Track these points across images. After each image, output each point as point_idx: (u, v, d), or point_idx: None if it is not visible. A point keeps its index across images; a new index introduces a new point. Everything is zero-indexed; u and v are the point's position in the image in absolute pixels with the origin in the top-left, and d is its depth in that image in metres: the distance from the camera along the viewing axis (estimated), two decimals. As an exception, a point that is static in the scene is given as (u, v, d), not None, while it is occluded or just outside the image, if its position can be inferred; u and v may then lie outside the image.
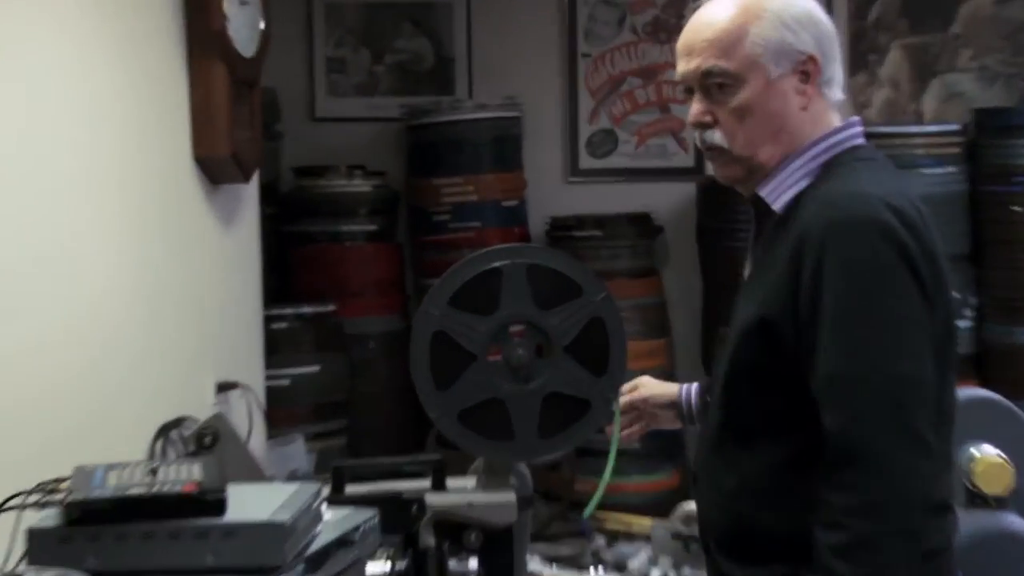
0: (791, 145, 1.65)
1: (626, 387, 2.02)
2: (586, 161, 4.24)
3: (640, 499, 3.67)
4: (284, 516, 1.37)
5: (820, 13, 1.69)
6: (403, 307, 3.97)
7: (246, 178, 2.59)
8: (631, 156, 4.23)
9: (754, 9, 1.65)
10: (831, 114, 1.68)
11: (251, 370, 2.81)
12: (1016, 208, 3.63)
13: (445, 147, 3.93)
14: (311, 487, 1.52)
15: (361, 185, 3.93)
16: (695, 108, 1.68)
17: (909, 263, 1.53)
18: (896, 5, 4.11)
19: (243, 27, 2.44)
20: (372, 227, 3.95)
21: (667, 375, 4.01)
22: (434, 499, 1.91)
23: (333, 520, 1.55)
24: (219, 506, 1.36)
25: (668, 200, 4.14)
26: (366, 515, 1.60)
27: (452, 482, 1.99)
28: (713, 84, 1.65)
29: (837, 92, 1.68)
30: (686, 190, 4.06)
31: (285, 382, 3.56)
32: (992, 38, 4.04)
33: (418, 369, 1.88)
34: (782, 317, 1.57)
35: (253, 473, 1.83)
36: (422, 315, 1.89)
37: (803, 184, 1.64)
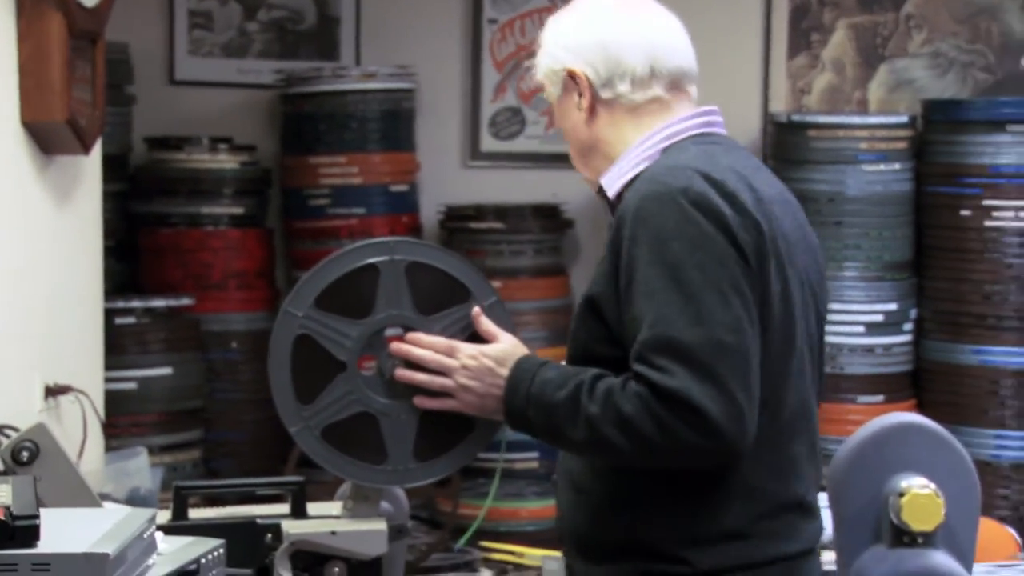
0: (606, 156, 1.91)
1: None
2: (488, 143, 4.25)
3: (536, 527, 3.71)
4: (108, 547, 1.36)
5: (603, 20, 1.92)
6: (272, 303, 3.94)
7: (86, 149, 2.55)
8: (540, 139, 4.25)
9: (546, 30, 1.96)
10: (649, 116, 1.90)
11: (88, 372, 2.77)
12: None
13: (326, 121, 3.92)
14: (144, 513, 1.50)
15: (226, 161, 3.90)
16: None
17: (725, 231, 1.74)
18: (843, -21, 4.20)
19: (86, -29, 2.41)
20: (238, 210, 3.92)
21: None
22: (292, 527, 1.91)
23: (170, 551, 1.54)
24: (31, 534, 1.34)
25: (580, 191, 4.14)
26: (209, 545, 1.59)
27: (315, 507, 1.99)
28: None
29: (656, 90, 1.89)
30: (601, 179, 4.10)
31: (131, 386, 3.53)
32: (947, 21, 4.15)
33: (276, 377, 1.87)
34: (606, 295, 1.79)
35: (80, 494, 1.80)
36: (283, 316, 1.89)
37: (639, 169, 1.87)
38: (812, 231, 1.96)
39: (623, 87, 1.89)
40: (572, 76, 1.91)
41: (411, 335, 1.89)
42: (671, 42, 1.94)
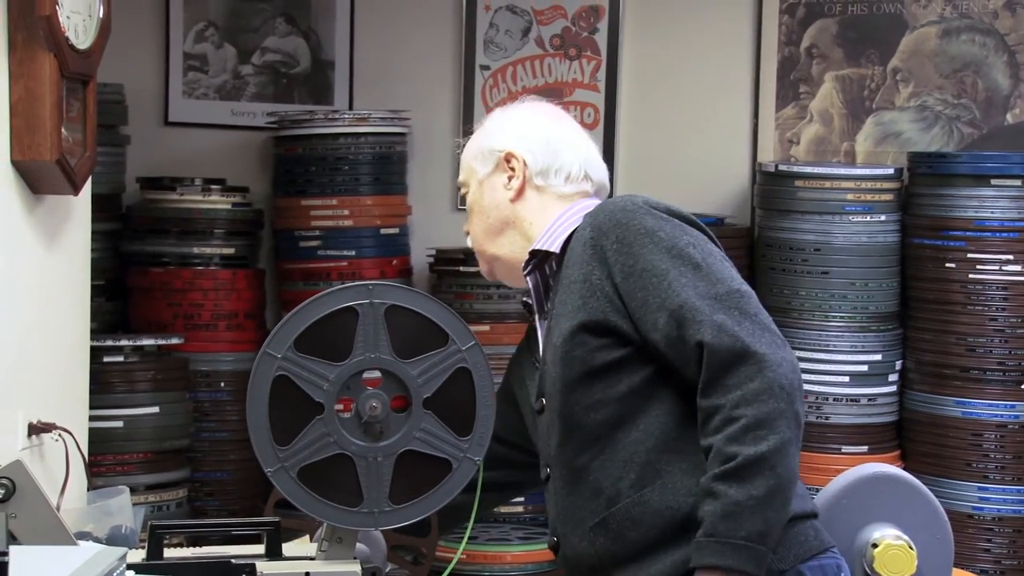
0: (523, 233, 2.12)
1: None
2: (479, 187, 4.27)
3: (520, 572, 3.70)
4: (76, 585, 1.36)
5: (550, 122, 2.17)
6: (261, 343, 3.92)
7: (75, 189, 2.56)
8: (531, 184, 4.27)
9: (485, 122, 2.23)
10: (576, 199, 2.12)
11: (73, 410, 2.77)
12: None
13: (318, 163, 3.93)
14: (114, 552, 1.51)
15: (218, 202, 3.91)
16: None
17: (694, 224, 1.99)
18: (831, 32, 4.23)
19: (77, 13, 2.43)
20: (229, 250, 3.93)
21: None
22: (267, 567, 1.91)
23: (140, 590, 1.54)
24: (-1, 571, 1.35)
25: (570, 236, 4.19)
26: (180, 585, 1.59)
27: (291, 548, 1.99)
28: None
29: (585, 185, 2.13)
30: (590, 226, 4.12)
31: (117, 424, 3.52)
32: (933, 75, 4.18)
33: (254, 417, 1.89)
34: (604, 309, 1.93)
35: (55, 533, 1.81)
36: (262, 357, 1.90)
37: (572, 227, 2.05)
38: None
39: (556, 180, 2.12)
40: (508, 159, 2.13)
41: None
42: (600, 164, 2.17)
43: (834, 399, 3.77)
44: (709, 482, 1.82)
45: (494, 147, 2.14)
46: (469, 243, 2.23)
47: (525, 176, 2.11)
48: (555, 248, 2.05)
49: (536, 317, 2.14)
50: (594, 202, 2.11)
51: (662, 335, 1.89)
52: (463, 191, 2.22)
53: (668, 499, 1.90)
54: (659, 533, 1.90)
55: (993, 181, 3.72)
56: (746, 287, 1.92)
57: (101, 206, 3.47)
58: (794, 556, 1.89)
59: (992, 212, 3.70)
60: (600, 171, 2.16)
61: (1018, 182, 3.72)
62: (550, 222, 2.08)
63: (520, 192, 2.11)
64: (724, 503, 1.79)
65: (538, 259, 2.09)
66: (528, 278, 2.11)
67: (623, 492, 1.92)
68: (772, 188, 3.90)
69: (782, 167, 3.90)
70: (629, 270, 1.92)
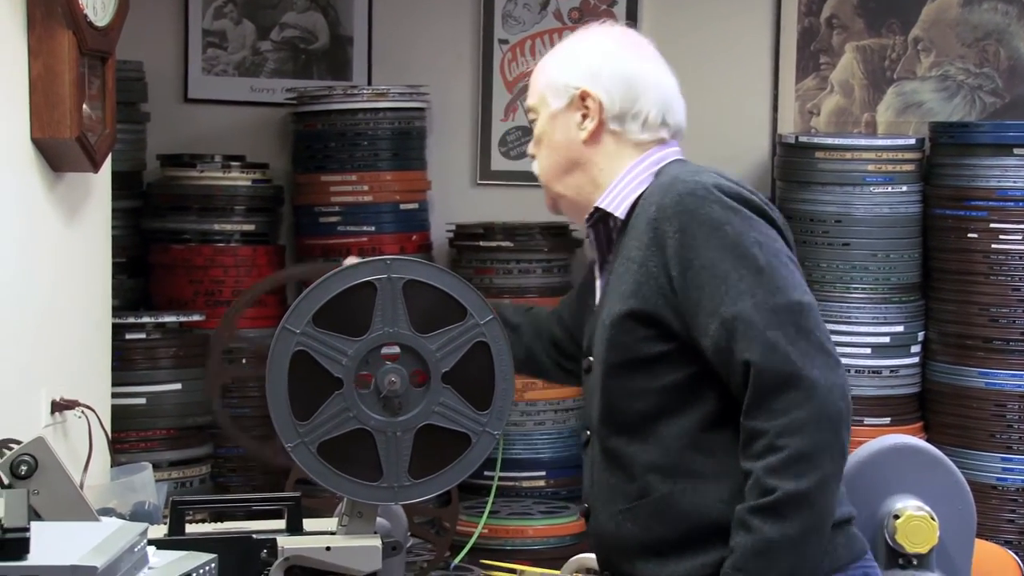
0: (593, 179, 2.00)
1: None
2: (499, 162, 4.26)
3: (543, 545, 3.70)
4: (97, 560, 1.37)
5: (630, 60, 2.02)
6: (282, 319, 3.93)
7: (95, 166, 2.57)
8: (550, 158, 4.25)
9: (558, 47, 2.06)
10: (649, 150, 2.00)
11: (96, 387, 2.78)
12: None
13: (337, 139, 3.93)
14: (135, 527, 1.51)
15: (239, 178, 3.91)
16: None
17: (763, 215, 1.89)
18: (852, 2, 4.20)
19: (95, -8, 2.43)
20: (250, 227, 3.93)
21: (580, 405, 4.05)
22: (287, 542, 1.92)
23: (161, 565, 1.55)
24: (20, 547, 1.35)
25: (590, 210, 4.18)
26: (201, 560, 1.60)
27: (312, 523, 1.99)
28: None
29: (662, 133, 2.00)
30: (610, 199, 4.10)
31: (140, 401, 3.53)
32: (955, 45, 4.15)
33: (274, 393, 1.89)
34: (656, 301, 1.86)
35: (78, 509, 1.81)
36: (281, 332, 1.90)
37: (640, 190, 1.97)
38: None
39: (632, 126, 2.00)
40: (584, 97, 2.00)
41: None
42: (679, 103, 2.05)
43: (856, 371, 3.76)
44: (744, 513, 1.77)
45: (569, 82, 2.00)
46: (535, 169, 2.08)
47: (601, 119, 1.99)
48: (619, 213, 1.97)
49: (596, 265, 2.07)
50: (668, 153, 2.01)
51: (711, 342, 1.82)
52: (531, 116, 2.08)
53: (698, 502, 1.86)
54: (684, 533, 1.87)
55: (1015, 150, 3.69)
56: (808, 298, 1.84)
57: (121, 183, 3.47)
58: (823, 570, 1.83)
59: (1015, 182, 3.67)
60: (678, 114, 2.03)
61: (1041, 151, 3.69)
62: (620, 173, 1.98)
63: (594, 135, 1.99)
64: (757, 539, 1.75)
65: (601, 213, 2.00)
66: (590, 229, 2.04)
67: (653, 486, 1.89)
68: (792, 160, 3.87)
69: (802, 138, 3.88)
70: (687, 264, 1.84)
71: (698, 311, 1.83)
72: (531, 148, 2.09)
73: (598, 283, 2.06)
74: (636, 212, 1.95)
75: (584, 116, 2.00)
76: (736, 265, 1.82)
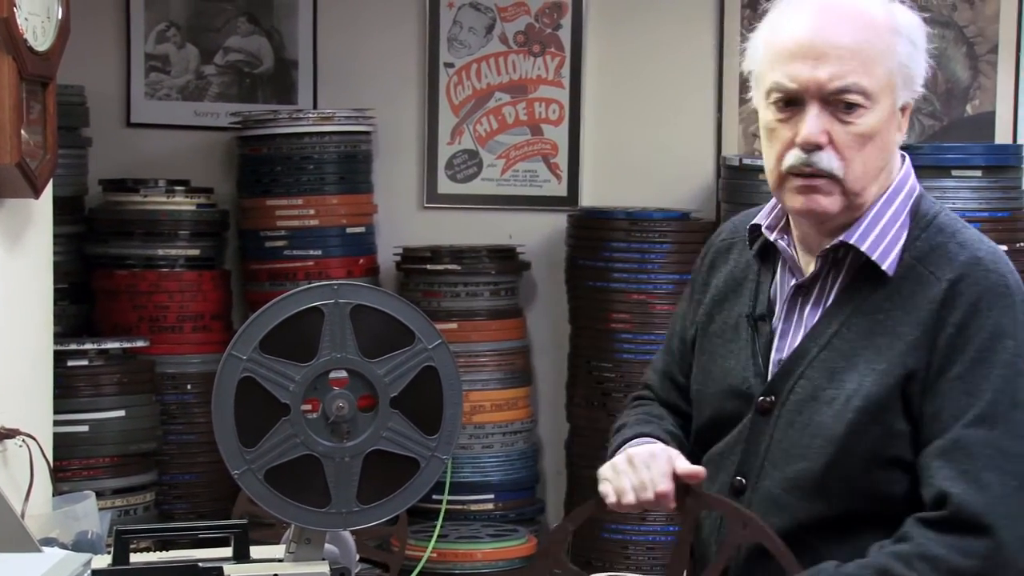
0: (884, 185, 1.72)
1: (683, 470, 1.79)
2: (445, 185, 4.26)
3: (491, 569, 3.69)
4: (39, 593, 1.34)
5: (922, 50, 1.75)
6: (228, 344, 3.90)
7: (36, 192, 2.53)
8: (497, 182, 4.26)
9: (900, 19, 1.69)
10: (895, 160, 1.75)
11: (38, 415, 2.74)
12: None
13: (283, 163, 3.91)
14: (78, 558, 1.49)
15: (183, 203, 3.89)
16: (813, 125, 1.66)
17: None
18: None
19: (35, 15, 2.40)
20: (194, 252, 3.90)
21: (529, 427, 4.05)
22: (234, 570, 1.89)
23: (105, 597, 1.52)
24: (-40, 580, 1.32)
25: (537, 233, 4.18)
26: (146, 591, 1.57)
27: (259, 551, 1.97)
28: (841, 101, 1.66)
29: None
30: (556, 222, 4.11)
31: (83, 429, 3.49)
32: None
33: (220, 419, 1.86)
34: (912, 382, 1.64)
35: (19, 539, 1.78)
36: (227, 359, 1.88)
37: (903, 238, 1.70)
38: None
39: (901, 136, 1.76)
40: (903, 110, 1.73)
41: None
42: None
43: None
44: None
45: (916, 84, 1.70)
46: (833, 167, 1.68)
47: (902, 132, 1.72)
48: (887, 267, 1.68)
49: (778, 277, 1.79)
50: (908, 171, 1.73)
51: (922, 446, 1.66)
52: (853, 96, 1.65)
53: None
54: None
55: (954, 172, 3.73)
56: None
57: (63, 209, 3.44)
58: None
59: (953, 203, 3.70)
60: None
61: (978, 173, 3.73)
62: (879, 196, 1.69)
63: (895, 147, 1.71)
64: None
65: (845, 250, 1.70)
66: (818, 259, 1.72)
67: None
68: (737, 182, 3.90)
69: (746, 161, 3.90)
70: (943, 366, 1.63)
71: (934, 421, 1.65)
72: (817, 135, 1.67)
73: (779, 297, 1.80)
74: (903, 273, 1.67)
75: (897, 128, 1.72)
76: (994, 386, 1.62)
